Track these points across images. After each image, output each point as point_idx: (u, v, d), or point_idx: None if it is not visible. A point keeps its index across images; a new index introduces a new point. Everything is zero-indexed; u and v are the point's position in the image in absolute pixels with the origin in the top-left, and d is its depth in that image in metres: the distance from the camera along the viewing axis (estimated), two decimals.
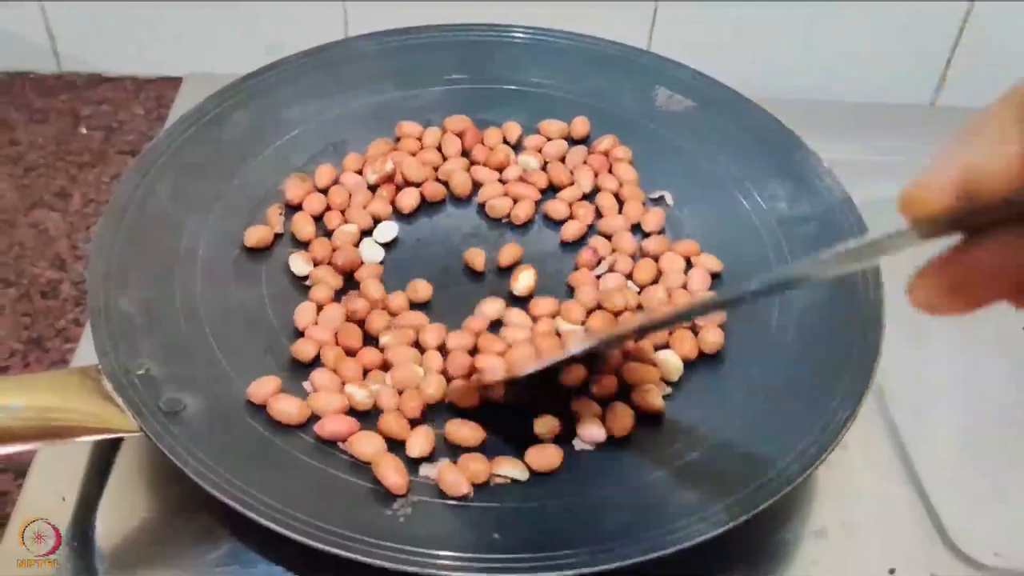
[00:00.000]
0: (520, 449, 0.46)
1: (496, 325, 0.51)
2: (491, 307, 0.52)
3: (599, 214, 0.58)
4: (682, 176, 0.59)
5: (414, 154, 0.60)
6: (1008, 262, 0.23)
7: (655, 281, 0.54)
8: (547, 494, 0.44)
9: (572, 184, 0.59)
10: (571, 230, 0.57)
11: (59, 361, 0.56)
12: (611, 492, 0.44)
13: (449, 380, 0.48)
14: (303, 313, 0.51)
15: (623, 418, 0.47)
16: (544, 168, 0.60)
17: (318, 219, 0.56)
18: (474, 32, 0.65)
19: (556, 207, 0.58)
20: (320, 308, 0.51)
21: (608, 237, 0.56)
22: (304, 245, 0.55)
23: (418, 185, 0.58)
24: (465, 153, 0.61)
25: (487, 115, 0.62)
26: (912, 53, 0.73)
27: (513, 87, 0.64)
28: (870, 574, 0.47)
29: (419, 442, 0.45)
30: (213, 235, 0.53)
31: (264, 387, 0.46)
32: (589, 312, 0.52)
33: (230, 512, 0.40)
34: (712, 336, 0.50)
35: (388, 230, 0.56)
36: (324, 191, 0.57)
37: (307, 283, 0.53)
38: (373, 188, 0.58)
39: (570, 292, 0.53)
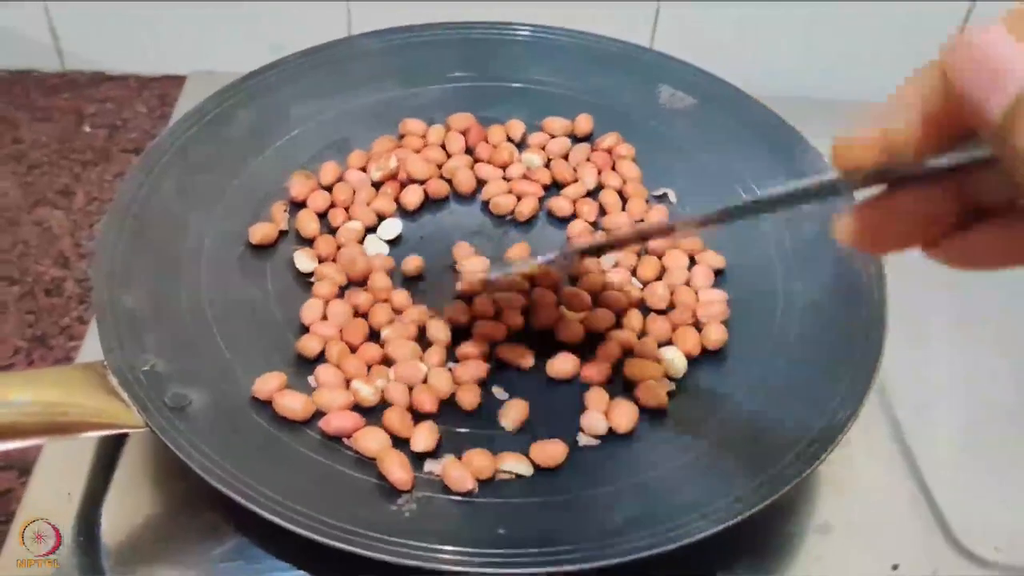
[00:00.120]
0: (525, 445, 0.46)
1: None
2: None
3: (603, 211, 0.58)
4: (685, 173, 0.59)
5: (418, 152, 0.60)
6: (918, 212, 0.27)
7: (658, 278, 0.54)
8: (551, 490, 0.44)
9: (575, 181, 0.59)
10: (575, 227, 0.57)
11: (63, 359, 0.56)
12: (615, 488, 0.45)
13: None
14: (308, 309, 0.51)
15: (627, 414, 0.47)
16: (547, 165, 0.60)
17: (322, 216, 0.56)
18: (478, 30, 0.65)
19: (560, 204, 0.58)
20: (325, 304, 0.51)
21: None
22: (308, 242, 0.55)
23: (422, 182, 0.58)
24: (469, 151, 0.61)
25: (491, 113, 0.62)
26: (912, 52, 0.72)
27: (517, 85, 0.64)
28: (873, 570, 0.47)
29: (424, 437, 0.45)
30: (218, 232, 0.53)
31: (269, 383, 0.46)
32: (594, 297, 0.52)
33: (235, 507, 0.40)
34: (716, 333, 0.51)
35: (392, 227, 0.56)
36: (328, 188, 0.58)
37: (311, 280, 0.53)
38: (377, 185, 0.58)
39: (573, 284, 0.54)
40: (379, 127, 0.61)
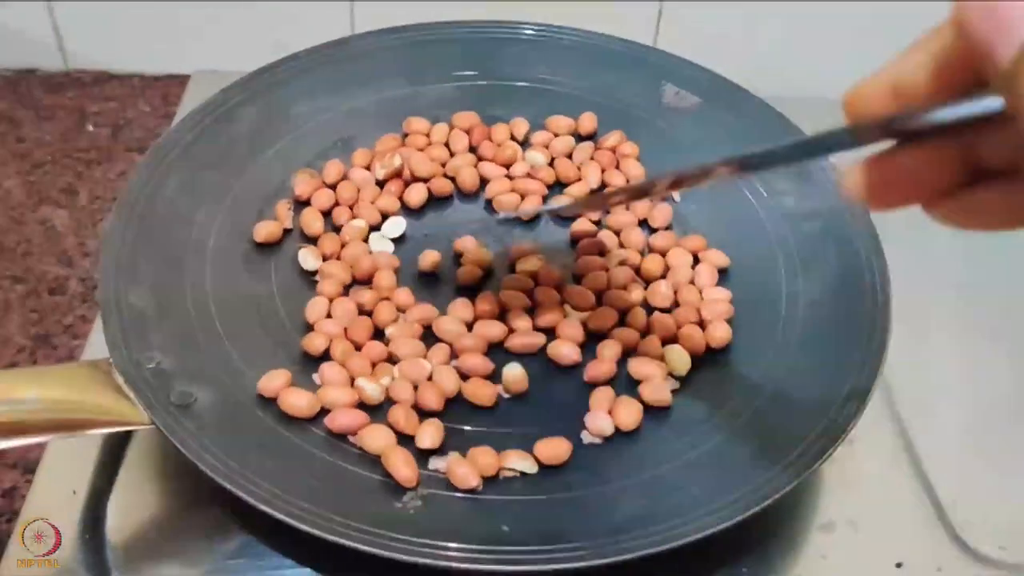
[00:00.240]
0: (529, 443, 0.46)
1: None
2: None
3: (606, 210, 0.58)
4: None
5: (422, 150, 0.60)
6: (924, 168, 0.27)
7: (663, 276, 0.54)
8: (556, 487, 0.45)
9: (579, 180, 0.59)
10: (579, 226, 0.57)
11: (67, 357, 0.56)
12: (619, 485, 0.45)
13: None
14: (313, 307, 0.51)
15: (631, 412, 0.47)
16: (551, 164, 0.60)
17: (327, 214, 0.56)
18: (482, 29, 0.65)
19: (564, 203, 0.58)
20: (330, 302, 0.51)
21: (616, 233, 0.56)
22: (313, 240, 0.55)
23: (426, 181, 0.58)
24: (473, 149, 0.61)
25: (494, 111, 0.62)
26: None
27: (520, 84, 0.64)
28: (877, 568, 0.47)
29: (430, 435, 0.45)
30: (223, 229, 0.54)
31: (274, 380, 0.46)
32: (598, 295, 0.53)
33: (240, 505, 0.40)
34: (720, 332, 0.51)
35: (396, 226, 0.56)
36: (333, 187, 0.58)
37: (316, 278, 0.53)
38: (381, 184, 0.58)
39: (577, 282, 0.54)
40: (383, 126, 0.61)
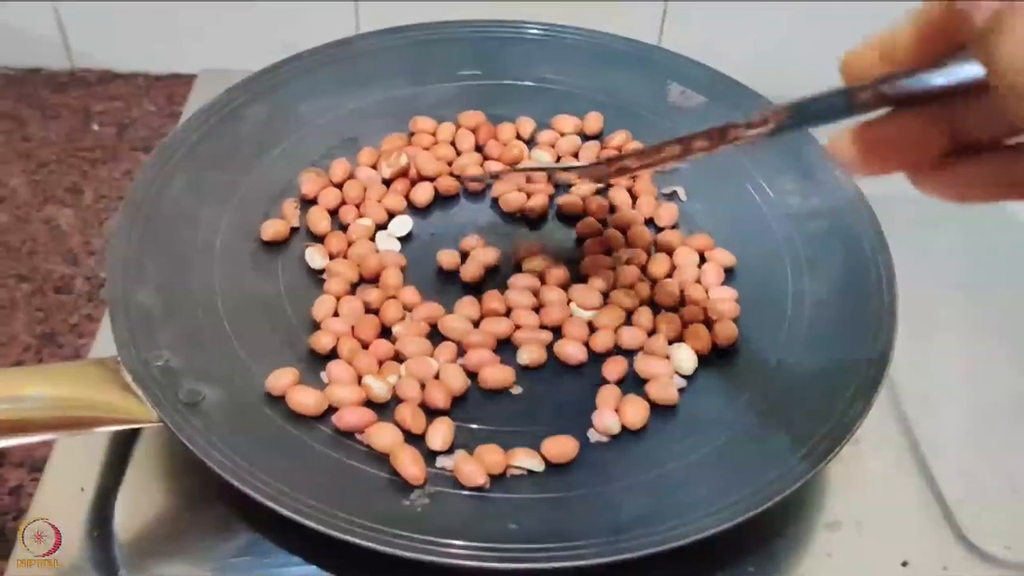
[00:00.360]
0: (536, 441, 0.46)
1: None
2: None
3: (612, 208, 0.58)
4: (694, 171, 0.59)
5: (428, 149, 0.60)
6: (910, 136, 0.28)
7: (669, 275, 0.54)
8: (562, 485, 0.45)
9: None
10: (585, 225, 0.57)
11: (72, 356, 0.56)
12: (626, 484, 0.45)
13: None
14: (320, 306, 0.51)
15: (638, 411, 0.47)
16: (557, 163, 0.60)
17: (333, 213, 0.56)
18: (486, 28, 0.65)
19: (570, 202, 0.58)
20: (337, 301, 0.51)
21: (622, 232, 0.56)
22: (320, 239, 0.55)
23: (432, 180, 0.59)
24: (479, 148, 0.61)
25: (501, 111, 0.62)
26: None
27: (526, 83, 0.64)
28: (883, 567, 0.47)
29: (441, 434, 0.45)
30: (230, 228, 0.54)
31: (282, 379, 0.46)
32: (605, 294, 0.53)
33: (248, 502, 0.40)
34: (726, 331, 0.51)
35: (403, 224, 0.56)
36: (339, 185, 0.58)
37: (323, 276, 0.53)
38: (388, 183, 0.58)
39: (584, 282, 0.54)
40: (390, 125, 0.61)
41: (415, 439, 0.45)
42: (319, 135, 0.60)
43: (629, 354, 0.51)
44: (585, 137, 0.62)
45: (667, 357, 0.50)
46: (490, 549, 0.40)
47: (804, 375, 0.49)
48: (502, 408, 0.48)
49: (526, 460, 0.45)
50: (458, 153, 0.60)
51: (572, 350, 0.50)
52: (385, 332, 0.51)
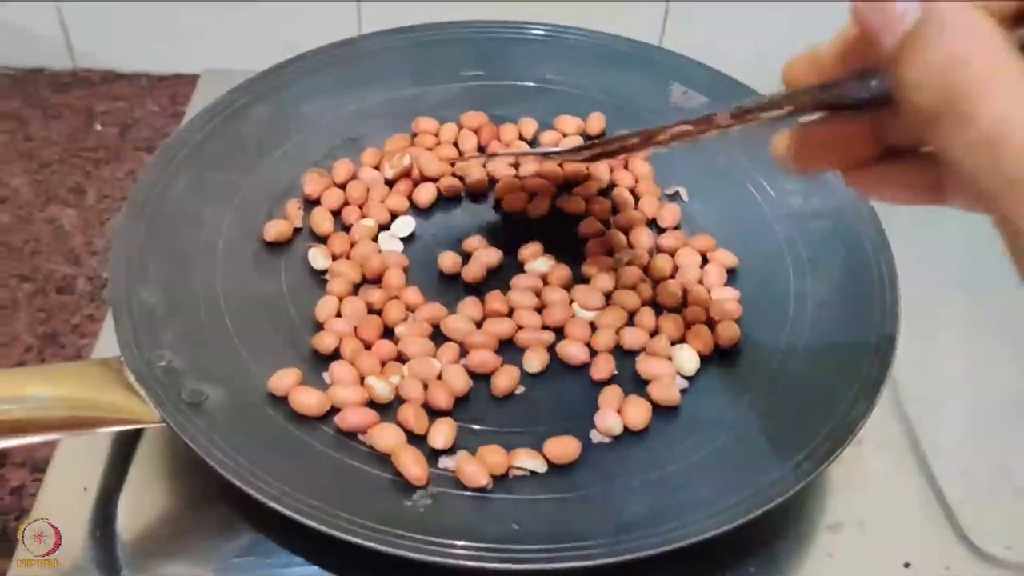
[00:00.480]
0: (538, 441, 0.46)
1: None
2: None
3: (615, 209, 0.58)
4: (697, 171, 0.59)
5: (431, 149, 0.60)
6: (839, 139, 0.31)
7: (671, 276, 0.54)
8: (565, 486, 0.45)
9: (588, 179, 0.59)
10: (587, 226, 0.57)
11: (74, 356, 0.56)
12: (628, 484, 0.45)
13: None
14: (323, 306, 0.51)
15: (640, 411, 0.47)
16: (560, 164, 0.60)
17: (336, 214, 0.56)
18: (489, 29, 0.65)
19: (572, 203, 0.58)
20: (339, 301, 0.51)
21: (624, 232, 0.56)
22: (323, 240, 0.55)
23: (435, 180, 0.59)
24: (481, 149, 0.61)
25: (503, 111, 0.62)
26: None
27: (529, 84, 0.64)
28: (885, 568, 0.47)
29: (443, 434, 0.45)
30: (233, 228, 0.54)
31: (285, 379, 0.46)
32: (607, 295, 0.53)
33: (250, 502, 0.40)
34: (728, 331, 0.51)
35: (405, 225, 0.56)
36: (342, 186, 0.58)
37: (325, 277, 0.53)
38: (390, 183, 0.58)
39: (586, 282, 0.54)
40: (392, 125, 0.61)
41: (417, 440, 0.45)
42: (322, 135, 0.60)
43: (631, 355, 0.50)
44: (588, 137, 0.62)
45: (669, 358, 0.50)
46: (492, 550, 0.40)
47: (806, 375, 0.49)
48: (504, 409, 0.48)
49: (528, 461, 0.45)
50: (461, 154, 0.60)
51: (574, 351, 0.50)
52: (388, 333, 0.51)
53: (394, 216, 0.57)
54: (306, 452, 0.44)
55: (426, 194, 0.58)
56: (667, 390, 0.48)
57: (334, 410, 0.46)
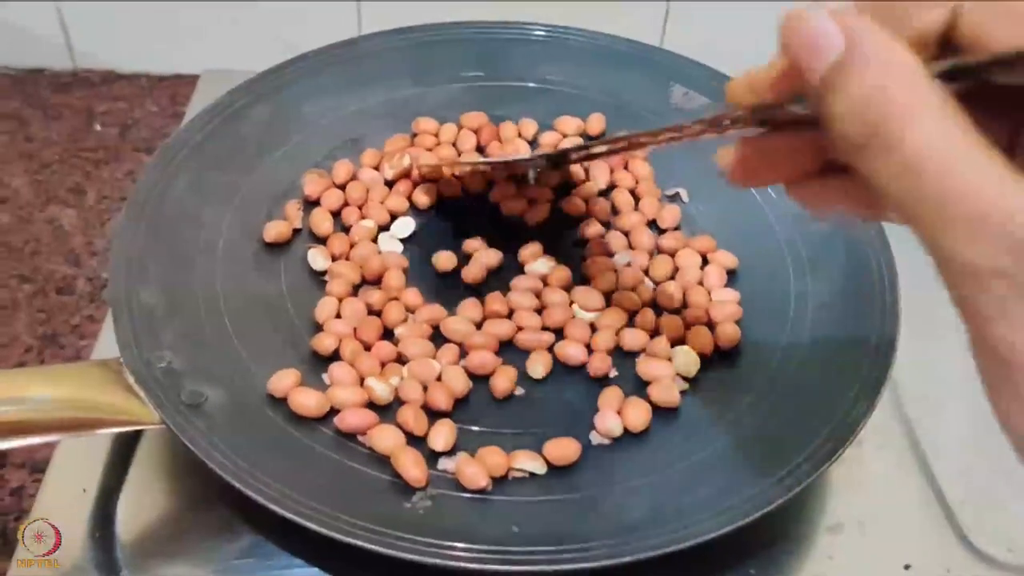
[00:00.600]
0: (538, 443, 0.46)
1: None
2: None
3: (615, 211, 0.58)
4: (697, 172, 0.59)
5: (431, 150, 0.60)
6: (779, 154, 0.32)
7: (672, 277, 0.54)
8: (565, 488, 0.45)
9: (588, 181, 0.59)
10: (588, 227, 0.57)
11: (74, 357, 0.56)
12: (628, 486, 0.45)
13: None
14: (323, 307, 0.51)
15: (640, 413, 0.47)
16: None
17: (336, 214, 0.56)
18: (489, 30, 0.65)
19: (572, 204, 0.58)
20: (339, 302, 0.51)
21: (625, 233, 0.56)
22: (322, 240, 0.55)
23: (434, 181, 0.58)
24: (480, 149, 0.61)
25: (503, 112, 0.62)
26: None
27: (529, 84, 0.64)
28: (885, 569, 0.47)
29: (443, 436, 0.45)
30: (232, 229, 0.54)
31: (284, 380, 0.46)
32: (607, 296, 0.53)
33: (250, 504, 0.40)
34: (729, 333, 0.51)
35: (405, 226, 0.56)
36: (342, 187, 0.58)
37: (325, 278, 0.53)
38: (390, 184, 0.58)
39: (586, 283, 0.54)
40: (392, 126, 0.61)
41: (417, 441, 0.45)
42: (322, 136, 0.60)
43: (631, 356, 0.50)
44: (588, 138, 0.62)
45: (669, 359, 0.50)
46: (492, 552, 0.40)
47: (807, 377, 0.49)
48: (504, 410, 0.48)
49: (528, 462, 0.45)
50: (460, 154, 0.60)
51: (574, 351, 0.50)
52: (387, 334, 0.51)
53: (394, 217, 0.57)
54: (306, 453, 0.44)
55: (426, 195, 0.58)
56: (667, 391, 0.48)
57: (333, 411, 0.46)
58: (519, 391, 0.49)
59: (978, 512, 0.49)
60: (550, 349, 0.50)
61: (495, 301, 0.52)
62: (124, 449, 0.48)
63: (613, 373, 0.50)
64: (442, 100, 0.63)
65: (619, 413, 0.47)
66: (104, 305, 0.58)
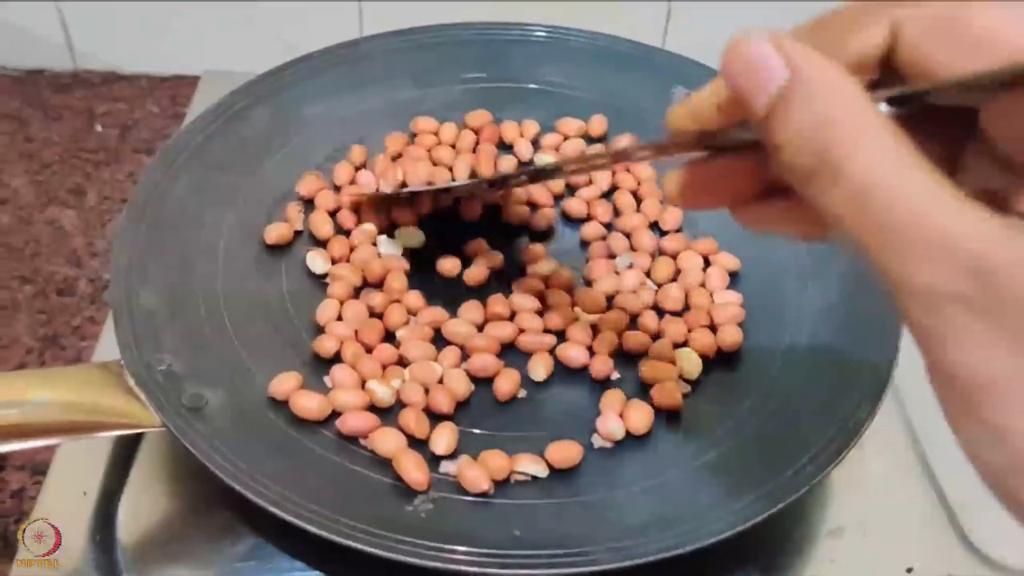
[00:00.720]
0: (540, 446, 0.46)
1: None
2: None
3: (617, 212, 0.58)
4: None
5: (430, 150, 0.60)
6: (723, 178, 0.32)
7: (674, 279, 0.54)
8: (567, 491, 0.45)
9: (590, 183, 0.59)
10: (590, 229, 0.57)
11: (75, 359, 0.56)
12: (630, 490, 0.45)
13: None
14: (324, 310, 0.51)
15: (642, 415, 0.47)
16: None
17: (332, 214, 0.56)
18: (491, 31, 0.65)
19: (574, 206, 0.58)
20: (340, 305, 0.51)
21: (627, 235, 0.56)
22: (322, 243, 0.55)
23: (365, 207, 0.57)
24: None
25: (504, 113, 0.62)
26: None
27: (530, 86, 0.64)
28: (887, 572, 0.47)
29: (445, 439, 0.45)
30: (233, 231, 0.54)
31: (286, 383, 0.46)
32: (609, 298, 0.53)
33: (251, 507, 0.40)
34: (731, 335, 0.50)
35: (411, 236, 0.56)
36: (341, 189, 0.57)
37: (326, 281, 0.53)
38: (388, 198, 0.58)
39: (588, 286, 0.54)
40: (393, 127, 0.61)
41: (419, 444, 0.45)
42: (323, 138, 0.60)
43: (633, 359, 0.50)
44: (590, 140, 0.62)
45: (671, 361, 0.50)
46: (494, 555, 0.40)
47: (809, 379, 0.48)
48: (506, 413, 0.48)
49: (530, 465, 0.45)
50: (457, 154, 0.60)
51: (575, 354, 0.50)
52: (389, 336, 0.50)
53: (395, 225, 0.56)
54: (307, 456, 0.44)
55: (424, 204, 0.57)
56: (669, 394, 0.48)
57: (335, 414, 0.46)
58: (521, 393, 0.49)
59: (980, 514, 0.49)
60: (552, 351, 0.50)
61: (497, 303, 0.52)
62: (125, 452, 0.48)
63: (615, 375, 0.50)
64: (443, 101, 0.63)
65: (621, 416, 0.47)
66: (105, 306, 0.58)
